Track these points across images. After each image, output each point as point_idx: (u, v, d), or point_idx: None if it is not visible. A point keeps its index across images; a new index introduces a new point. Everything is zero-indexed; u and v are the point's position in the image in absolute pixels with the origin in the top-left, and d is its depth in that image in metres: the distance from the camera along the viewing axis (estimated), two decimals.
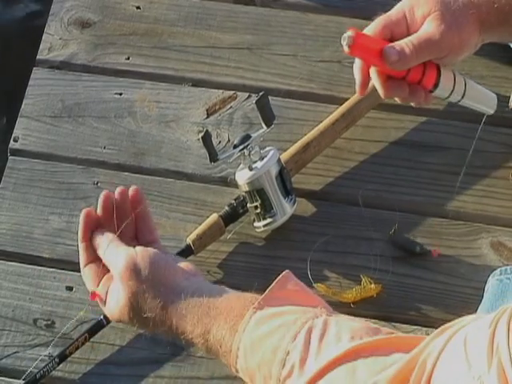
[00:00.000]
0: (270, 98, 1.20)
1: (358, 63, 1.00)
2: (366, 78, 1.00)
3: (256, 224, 1.21)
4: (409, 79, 0.97)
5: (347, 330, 0.81)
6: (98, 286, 1.01)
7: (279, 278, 0.88)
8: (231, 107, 1.33)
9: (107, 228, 1.03)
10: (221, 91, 1.35)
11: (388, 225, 1.21)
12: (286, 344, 0.82)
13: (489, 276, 1.12)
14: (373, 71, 0.99)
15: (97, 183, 1.28)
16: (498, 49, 1.33)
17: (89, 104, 1.35)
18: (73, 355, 1.14)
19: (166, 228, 1.24)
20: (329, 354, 0.79)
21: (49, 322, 1.19)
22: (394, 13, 0.99)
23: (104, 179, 1.29)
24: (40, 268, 1.23)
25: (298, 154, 1.25)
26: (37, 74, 1.38)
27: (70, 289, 1.21)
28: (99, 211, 1.05)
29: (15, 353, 1.17)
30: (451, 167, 1.25)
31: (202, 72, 1.37)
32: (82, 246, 1.04)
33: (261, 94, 1.19)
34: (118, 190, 1.05)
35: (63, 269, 1.22)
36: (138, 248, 0.97)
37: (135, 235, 1.06)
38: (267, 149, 1.21)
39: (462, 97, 1.00)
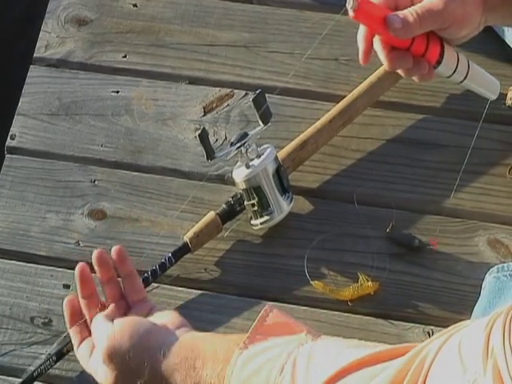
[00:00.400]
0: (266, 95, 1.20)
1: (361, 31, 0.99)
2: (370, 46, 0.99)
3: (253, 222, 1.21)
4: (413, 50, 0.97)
5: (334, 353, 0.81)
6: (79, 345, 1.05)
7: (260, 314, 0.88)
8: (228, 105, 1.33)
9: (90, 300, 1.06)
10: (218, 89, 1.35)
11: (385, 222, 1.21)
12: (274, 378, 0.81)
13: (486, 273, 1.12)
14: (377, 42, 0.98)
15: (94, 181, 1.28)
16: (495, 46, 1.33)
17: (86, 102, 1.35)
18: (70, 353, 1.14)
19: (163, 226, 1.24)
20: (317, 378, 0.78)
21: (46, 320, 1.19)
22: None
23: (101, 177, 1.29)
24: (37, 266, 1.23)
25: (295, 152, 1.25)
26: (34, 71, 1.38)
27: (67, 287, 1.21)
28: (79, 288, 1.08)
29: (12, 351, 1.16)
30: (448, 165, 1.25)
31: (199, 70, 1.37)
32: (71, 332, 1.07)
33: (258, 91, 1.19)
34: (95, 255, 1.07)
35: (60, 267, 1.22)
36: (116, 322, 0.98)
37: (123, 294, 1.08)
38: (264, 146, 1.21)
39: (465, 77, 1.00)
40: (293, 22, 1.40)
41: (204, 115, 1.33)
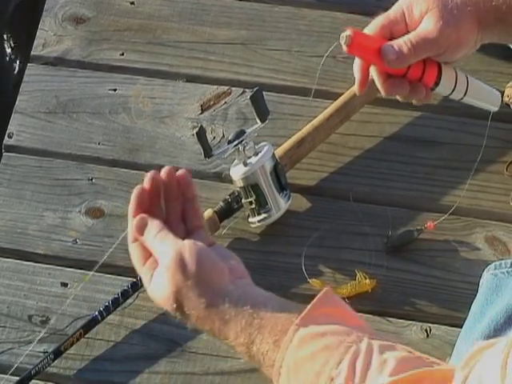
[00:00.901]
0: (264, 93, 1.20)
1: (357, 61, 1.00)
2: (366, 76, 0.99)
3: (251, 219, 1.21)
4: (409, 77, 0.97)
5: (390, 361, 0.81)
6: (144, 264, 0.94)
7: (320, 294, 0.87)
8: (226, 103, 1.33)
9: (154, 208, 0.97)
10: (215, 87, 1.35)
11: (382, 220, 1.21)
12: (330, 370, 0.81)
13: (483, 270, 1.12)
14: (373, 70, 0.99)
15: (91, 179, 1.28)
16: (491, 44, 1.33)
17: (83, 100, 1.35)
18: (68, 351, 1.14)
19: None
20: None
21: (44, 319, 1.19)
22: (393, 12, 0.99)
23: (99, 175, 1.29)
24: (35, 264, 1.23)
25: (292, 150, 1.25)
26: (31, 70, 1.38)
27: (64, 285, 1.21)
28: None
29: (10, 349, 1.17)
30: (446, 162, 1.25)
31: (197, 68, 1.37)
32: (131, 221, 0.97)
33: (255, 89, 1.19)
34: (165, 170, 0.98)
35: (58, 265, 1.22)
36: (187, 242, 0.92)
37: (182, 218, 0.99)
38: (262, 144, 1.21)
39: (465, 94, 1.00)
40: (290, 20, 1.40)
41: (201, 113, 1.33)
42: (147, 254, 0.94)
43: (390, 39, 0.97)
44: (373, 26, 0.99)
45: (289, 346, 0.84)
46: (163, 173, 0.98)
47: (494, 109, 1.04)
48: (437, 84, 0.98)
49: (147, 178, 0.97)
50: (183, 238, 0.95)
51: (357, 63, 1.00)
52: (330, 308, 0.87)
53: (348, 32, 0.94)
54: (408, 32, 0.98)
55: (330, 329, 0.84)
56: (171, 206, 0.98)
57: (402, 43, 0.95)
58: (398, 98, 1.01)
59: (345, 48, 0.94)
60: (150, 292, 0.94)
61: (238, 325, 0.88)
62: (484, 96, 1.03)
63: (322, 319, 0.85)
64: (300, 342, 0.84)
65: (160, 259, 0.93)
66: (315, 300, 0.86)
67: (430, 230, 1.20)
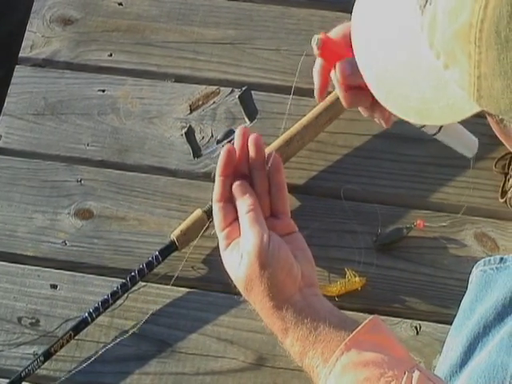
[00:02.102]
0: (252, 92, 1.19)
1: (317, 66, 1.00)
2: (326, 82, 1.00)
3: None
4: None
5: None
6: (224, 229, 0.93)
7: (367, 321, 0.88)
8: (214, 102, 1.33)
9: (243, 177, 0.95)
10: (204, 86, 1.34)
11: (372, 218, 1.21)
12: None
13: (473, 267, 1.12)
14: (335, 80, 0.99)
15: (80, 180, 1.28)
16: None
17: (72, 101, 1.34)
18: (58, 353, 1.14)
19: (150, 224, 1.24)
20: None
21: (33, 321, 1.19)
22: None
23: (88, 176, 1.28)
24: (24, 266, 1.23)
25: (281, 148, 1.24)
26: (19, 71, 1.38)
27: (54, 287, 1.21)
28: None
29: (0, 351, 1.16)
30: (434, 159, 1.25)
31: (185, 68, 1.36)
32: (219, 180, 0.95)
33: (244, 88, 1.19)
34: (252, 139, 0.95)
35: (47, 267, 1.22)
36: (274, 238, 0.91)
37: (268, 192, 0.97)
38: None
39: (438, 131, 1.00)
40: (278, 19, 1.40)
41: (190, 113, 1.33)
42: (229, 219, 0.93)
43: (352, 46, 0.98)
44: (334, 35, 1.00)
45: (332, 371, 0.86)
46: (251, 141, 0.95)
47: (469, 155, 1.04)
48: None
49: (237, 138, 0.95)
50: (267, 217, 0.94)
51: (316, 69, 1.00)
52: (376, 336, 0.87)
53: (320, 35, 0.95)
54: None
55: (372, 358, 0.85)
56: (258, 177, 0.95)
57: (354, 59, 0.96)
58: (361, 111, 1.01)
59: (316, 51, 0.94)
60: (224, 258, 0.93)
61: (295, 335, 0.89)
62: (460, 138, 1.03)
63: (367, 346, 0.86)
64: (343, 370, 0.86)
65: (244, 238, 0.92)
66: (361, 326, 0.87)
67: (419, 228, 1.20)
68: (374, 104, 0.98)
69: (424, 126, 1.00)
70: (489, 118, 0.65)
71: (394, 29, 0.66)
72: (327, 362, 0.87)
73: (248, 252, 0.90)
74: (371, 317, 0.88)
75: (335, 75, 0.99)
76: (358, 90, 0.97)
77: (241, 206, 0.93)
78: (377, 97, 0.67)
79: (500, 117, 0.60)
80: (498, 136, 0.68)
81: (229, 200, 0.94)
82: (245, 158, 0.95)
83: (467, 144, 1.03)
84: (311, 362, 0.89)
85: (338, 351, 0.86)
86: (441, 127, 1.00)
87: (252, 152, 0.95)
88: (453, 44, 0.59)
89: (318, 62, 1.04)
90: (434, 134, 1.00)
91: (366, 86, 0.95)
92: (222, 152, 0.94)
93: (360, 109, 1.02)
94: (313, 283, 0.94)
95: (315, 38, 0.95)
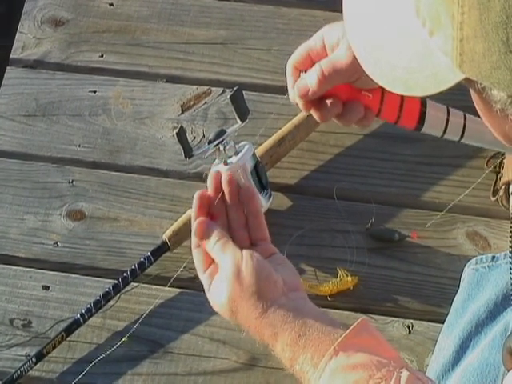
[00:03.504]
0: (244, 92, 1.20)
1: (289, 68, 1.01)
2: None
3: None
4: (383, 116, 0.98)
5: None
6: (205, 271, 0.96)
7: (355, 324, 0.88)
8: (206, 103, 1.33)
9: (217, 212, 0.99)
10: (195, 87, 1.34)
11: (364, 217, 1.21)
12: None
13: (465, 266, 1.12)
14: (298, 101, 1.01)
15: (72, 181, 1.28)
16: None
17: (63, 102, 1.34)
18: (50, 354, 1.14)
19: (142, 225, 1.24)
20: None
21: (25, 322, 1.18)
22: (313, 40, 1.01)
23: (79, 177, 1.28)
24: (16, 268, 1.22)
25: (273, 148, 1.24)
26: (10, 73, 1.38)
27: (46, 288, 1.21)
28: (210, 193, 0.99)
29: None
30: (426, 158, 1.25)
31: (176, 68, 1.36)
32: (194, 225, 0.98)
33: (235, 88, 1.19)
34: (225, 177, 0.98)
35: (39, 268, 1.22)
36: (245, 253, 0.93)
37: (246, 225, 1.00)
38: (242, 143, 1.21)
39: (461, 137, 1.00)
40: (269, 19, 1.40)
41: (182, 113, 1.33)
42: (209, 260, 0.96)
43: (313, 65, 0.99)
44: (295, 57, 1.01)
45: (321, 376, 0.86)
46: (224, 180, 0.99)
47: (500, 149, 1.03)
48: (421, 123, 0.98)
49: (210, 181, 0.99)
50: (246, 247, 0.97)
51: (291, 94, 1.01)
52: (364, 338, 0.88)
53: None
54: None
55: (361, 361, 0.85)
56: (234, 212, 0.99)
57: (312, 74, 0.97)
58: (336, 121, 1.01)
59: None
60: (209, 298, 0.96)
61: (285, 341, 0.90)
62: (485, 138, 1.02)
63: (356, 349, 0.86)
64: (332, 374, 0.86)
65: (219, 267, 0.94)
66: (349, 329, 0.87)
67: (409, 226, 1.20)
68: (346, 108, 0.99)
69: (445, 134, 0.99)
70: (472, 92, 0.65)
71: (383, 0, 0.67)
72: (317, 367, 0.87)
73: (226, 276, 0.92)
74: (360, 319, 0.88)
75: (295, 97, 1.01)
76: (322, 99, 0.99)
77: (208, 240, 0.96)
78: (364, 66, 0.68)
79: (482, 84, 0.60)
80: (481, 114, 0.68)
81: None
82: (218, 197, 0.98)
83: (493, 140, 1.02)
84: (301, 368, 0.89)
85: (327, 356, 0.86)
86: (463, 132, 1.00)
87: (226, 190, 0.98)
88: (437, 6, 0.59)
89: (289, 84, 1.04)
90: (459, 141, 1.00)
91: (332, 93, 0.97)
92: (195, 198, 0.98)
93: (334, 119, 1.02)
94: (297, 288, 0.94)
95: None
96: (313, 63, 0.99)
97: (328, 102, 0.98)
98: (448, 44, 0.60)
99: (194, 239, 0.97)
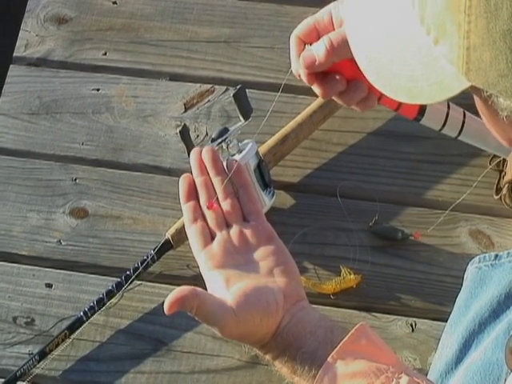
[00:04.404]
0: (247, 90, 1.20)
1: (293, 64, 1.00)
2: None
3: None
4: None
5: None
6: (204, 248, 0.94)
7: (353, 330, 0.88)
8: (209, 101, 1.33)
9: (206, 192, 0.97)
10: (198, 85, 1.34)
11: (367, 215, 1.21)
12: None
13: (468, 264, 1.12)
14: (303, 76, 1.00)
15: (75, 179, 1.28)
16: None
17: (66, 100, 1.34)
18: (53, 352, 1.14)
19: (146, 223, 1.24)
20: None
21: (28, 320, 1.18)
22: (320, 13, 1.00)
23: (82, 175, 1.28)
24: (19, 266, 1.22)
25: (276, 147, 1.24)
26: (14, 71, 1.38)
27: (49, 286, 1.21)
28: (195, 174, 0.98)
29: None
30: (429, 156, 1.25)
31: (180, 66, 1.36)
32: (185, 207, 0.97)
33: (238, 86, 1.19)
34: (207, 154, 0.97)
35: (42, 266, 1.22)
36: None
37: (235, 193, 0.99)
38: (245, 142, 1.21)
39: (459, 134, 0.99)
40: (273, 17, 1.40)
41: (185, 111, 1.32)
42: (208, 238, 0.94)
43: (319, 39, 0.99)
44: (300, 29, 1.00)
45: None
46: (208, 158, 0.97)
47: (499, 153, 1.03)
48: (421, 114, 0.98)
49: (193, 163, 0.97)
50: (239, 220, 0.95)
51: (294, 40, 0.99)
52: (362, 345, 0.87)
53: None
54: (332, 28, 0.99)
55: (359, 369, 0.85)
56: (218, 182, 0.96)
57: (320, 46, 0.96)
58: (338, 101, 1.00)
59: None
60: (208, 282, 0.93)
61: (284, 357, 0.90)
62: (483, 137, 1.01)
63: (354, 356, 0.85)
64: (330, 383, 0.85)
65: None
66: (347, 337, 0.86)
67: (411, 224, 1.20)
68: (350, 86, 0.98)
69: (443, 129, 0.99)
70: (476, 99, 0.65)
71: (386, 6, 0.66)
72: (315, 378, 0.87)
73: (219, 328, 0.89)
74: (358, 325, 0.87)
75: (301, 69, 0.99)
76: (326, 75, 0.97)
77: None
78: (367, 76, 0.67)
79: (488, 92, 0.60)
80: (486, 121, 0.68)
81: (202, 219, 0.95)
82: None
83: (492, 142, 1.01)
84: (300, 380, 0.88)
85: (325, 365, 0.86)
86: (461, 129, 0.99)
87: (208, 163, 0.97)
88: (443, 15, 0.59)
89: (292, 54, 1.03)
90: (456, 137, 0.99)
91: (336, 69, 0.96)
92: (181, 181, 0.97)
93: (335, 98, 1.01)
94: (298, 299, 0.92)
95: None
96: (318, 36, 0.98)
97: (332, 77, 0.97)
98: (454, 52, 0.60)
99: (186, 218, 0.96)
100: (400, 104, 0.99)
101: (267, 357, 0.91)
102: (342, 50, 0.95)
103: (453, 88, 0.62)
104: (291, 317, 0.90)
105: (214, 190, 0.97)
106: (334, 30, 0.98)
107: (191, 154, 0.99)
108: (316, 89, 0.99)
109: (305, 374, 0.88)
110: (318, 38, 0.98)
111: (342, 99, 0.99)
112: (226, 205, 0.96)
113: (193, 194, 0.97)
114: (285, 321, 0.89)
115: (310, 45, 0.97)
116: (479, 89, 0.60)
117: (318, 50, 0.96)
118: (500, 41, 0.57)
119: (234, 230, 0.94)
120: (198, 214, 0.96)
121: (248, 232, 0.95)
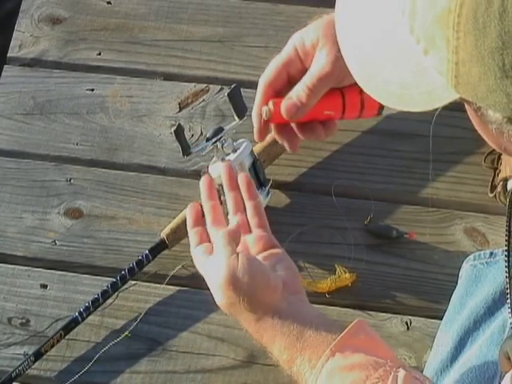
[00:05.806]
0: (242, 89, 1.20)
1: (255, 111, 1.03)
2: (266, 128, 1.10)
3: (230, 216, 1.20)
4: (347, 116, 1.07)
5: None
6: (194, 227, 1.03)
7: (352, 324, 0.88)
8: (203, 100, 1.33)
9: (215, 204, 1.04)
10: (193, 84, 1.34)
11: (362, 214, 1.21)
12: None
13: (463, 262, 1.12)
14: (275, 131, 1.07)
15: (70, 180, 1.28)
16: None
17: (60, 100, 1.34)
18: (48, 353, 1.14)
19: (140, 223, 1.24)
20: None
21: (23, 321, 1.18)
22: (285, 52, 1.02)
23: (77, 176, 1.28)
24: (14, 266, 1.22)
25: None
26: (8, 71, 1.37)
27: (44, 286, 1.21)
28: (204, 197, 1.06)
29: None
30: (424, 155, 1.24)
31: (174, 66, 1.36)
32: (192, 232, 1.03)
33: (233, 86, 1.19)
34: (225, 168, 1.06)
35: (37, 267, 1.22)
36: (241, 257, 0.94)
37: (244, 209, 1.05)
38: (240, 141, 1.21)
39: None
40: (267, 16, 1.39)
41: (179, 111, 1.32)
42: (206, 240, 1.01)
43: (289, 80, 1.00)
44: (269, 72, 1.02)
45: (318, 378, 0.86)
46: (225, 174, 1.06)
47: None
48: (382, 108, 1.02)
49: (204, 187, 1.06)
50: (246, 233, 1.00)
51: (255, 113, 1.03)
52: (361, 339, 0.88)
53: (269, 106, 1.05)
54: (304, 67, 1.00)
55: (357, 362, 0.85)
56: (233, 196, 1.04)
57: (300, 93, 0.99)
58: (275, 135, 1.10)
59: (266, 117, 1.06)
60: (196, 260, 1.00)
61: (283, 343, 0.90)
62: None
63: (352, 350, 0.86)
64: (328, 376, 0.86)
65: (214, 275, 0.96)
66: (346, 331, 0.87)
67: (407, 222, 1.20)
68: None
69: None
70: (467, 107, 0.65)
71: (376, 13, 0.66)
72: (314, 369, 0.87)
73: (219, 285, 0.94)
74: (356, 320, 0.88)
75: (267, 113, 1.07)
76: (286, 126, 1.02)
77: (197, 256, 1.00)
78: (358, 81, 0.68)
79: (477, 104, 0.60)
80: (477, 127, 0.68)
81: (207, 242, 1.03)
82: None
83: None
84: (299, 369, 0.89)
85: (324, 357, 0.87)
86: None
87: (228, 180, 1.05)
88: (432, 29, 0.59)
89: (256, 103, 1.09)
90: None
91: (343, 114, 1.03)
92: (188, 209, 1.05)
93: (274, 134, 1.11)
94: (297, 290, 0.95)
95: (264, 110, 1.06)
96: (287, 78, 1.00)
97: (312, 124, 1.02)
98: (443, 65, 0.59)
99: (189, 221, 1.03)
100: (361, 112, 1.03)
101: (267, 345, 0.91)
102: (321, 88, 0.97)
103: (443, 98, 0.62)
104: (289, 304, 0.91)
105: (222, 214, 1.04)
106: (303, 65, 0.99)
107: (201, 181, 1.05)
108: (285, 144, 1.09)
109: (303, 364, 0.88)
110: (288, 81, 1.01)
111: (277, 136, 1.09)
112: (234, 222, 1.01)
113: (200, 221, 1.03)
114: (281, 306, 0.91)
115: (280, 92, 1.03)
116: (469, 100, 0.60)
117: (299, 96, 0.99)
118: (488, 58, 0.56)
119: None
120: (204, 239, 1.01)
121: (252, 239, 1.01)
